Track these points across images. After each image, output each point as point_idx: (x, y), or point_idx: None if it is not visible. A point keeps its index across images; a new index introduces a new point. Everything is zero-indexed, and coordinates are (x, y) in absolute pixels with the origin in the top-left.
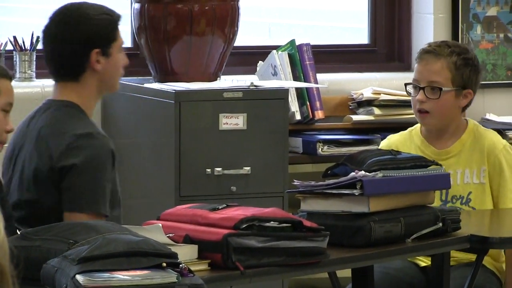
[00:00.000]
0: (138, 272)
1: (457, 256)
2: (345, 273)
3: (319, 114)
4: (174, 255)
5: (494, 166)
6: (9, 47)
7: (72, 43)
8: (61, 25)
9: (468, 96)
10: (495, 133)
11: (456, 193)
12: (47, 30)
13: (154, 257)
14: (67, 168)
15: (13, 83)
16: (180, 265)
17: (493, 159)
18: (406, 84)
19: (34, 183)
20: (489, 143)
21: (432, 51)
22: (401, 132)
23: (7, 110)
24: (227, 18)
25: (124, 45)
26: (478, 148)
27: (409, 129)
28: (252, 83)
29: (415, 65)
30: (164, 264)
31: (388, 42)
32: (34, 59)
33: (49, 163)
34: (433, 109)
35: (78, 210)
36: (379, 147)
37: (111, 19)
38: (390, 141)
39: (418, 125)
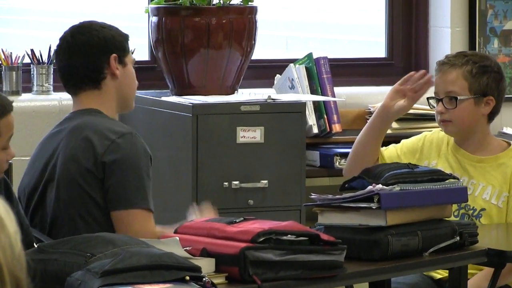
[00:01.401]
0: (161, 286)
1: (472, 271)
2: (362, 286)
3: (337, 128)
4: (197, 269)
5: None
6: (27, 60)
7: (91, 50)
8: (77, 36)
9: (490, 103)
10: None
11: (470, 203)
12: (63, 44)
13: (177, 270)
14: (110, 163)
15: (31, 96)
16: (204, 279)
17: None
18: (428, 99)
19: (78, 182)
20: None
21: (447, 62)
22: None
23: (8, 145)
24: (245, 31)
25: (141, 59)
26: (506, 171)
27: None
28: (269, 96)
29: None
30: (187, 278)
31: (405, 56)
32: (52, 72)
33: (93, 159)
34: (452, 118)
35: (129, 207)
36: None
37: (123, 33)
38: (432, 134)
39: None
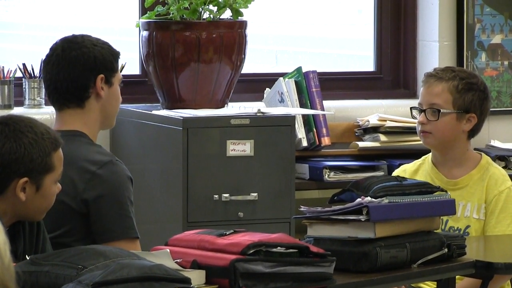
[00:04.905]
0: None
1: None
2: None
3: (326, 141)
4: (187, 280)
5: (490, 205)
6: (19, 74)
7: (78, 67)
8: (68, 50)
9: (472, 120)
10: (503, 172)
11: (454, 224)
12: (52, 56)
13: (167, 282)
14: (93, 199)
15: (23, 109)
16: None
17: (491, 198)
18: (411, 108)
19: (62, 217)
20: (492, 182)
21: (435, 75)
22: (415, 162)
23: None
24: (235, 45)
25: (131, 73)
26: (482, 184)
27: (423, 157)
28: (259, 110)
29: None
30: None
31: (393, 70)
32: (43, 86)
33: (74, 195)
34: (433, 130)
35: (115, 239)
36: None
37: (113, 51)
38: (404, 170)
39: (431, 153)
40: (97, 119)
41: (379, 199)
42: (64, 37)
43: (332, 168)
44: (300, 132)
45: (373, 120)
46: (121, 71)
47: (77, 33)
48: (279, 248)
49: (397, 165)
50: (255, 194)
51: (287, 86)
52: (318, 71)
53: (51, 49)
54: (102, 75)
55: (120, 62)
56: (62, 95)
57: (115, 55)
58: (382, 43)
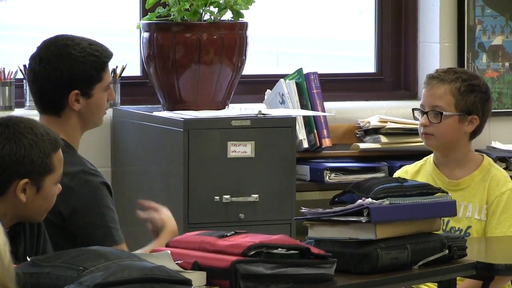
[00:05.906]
0: None
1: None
2: None
3: (326, 142)
4: (188, 282)
5: (491, 206)
6: (19, 75)
7: (51, 82)
8: (43, 62)
9: (474, 122)
10: (505, 174)
11: (455, 225)
12: (31, 64)
13: (168, 283)
14: (69, 214)
15: (24, 111)
16: None
17: (492, 199)
18: (413, 110)
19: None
20: (494, 183)
21: (437, 76)
22: (416, 163)
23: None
24: (235, 47)
25: (132, 74)
26: (483, 185)
27: (424, 158)
28: (260, 111)
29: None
30: None
31: (394, 71)
32: None
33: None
34: (435, 132)
35: None
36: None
37: (97, 60)
38: (406, 171)
39: (432, 154)
40: (76, 126)
41: (380, 200)
42: (48, 42)
43: (333, 170)
44: (301, 133)
45: (374, 122)
46: (121, 73)
47: (77, 35)
48: (280, 249)
49: (398, 166)
50: (256, 195)
51: (287, 88)
52: (318, 72)
53: (33, 56)
54: (76, 91)
55: (120, 64)
56: (38, 103)
57: (101, 64)
58: (383, 45)
